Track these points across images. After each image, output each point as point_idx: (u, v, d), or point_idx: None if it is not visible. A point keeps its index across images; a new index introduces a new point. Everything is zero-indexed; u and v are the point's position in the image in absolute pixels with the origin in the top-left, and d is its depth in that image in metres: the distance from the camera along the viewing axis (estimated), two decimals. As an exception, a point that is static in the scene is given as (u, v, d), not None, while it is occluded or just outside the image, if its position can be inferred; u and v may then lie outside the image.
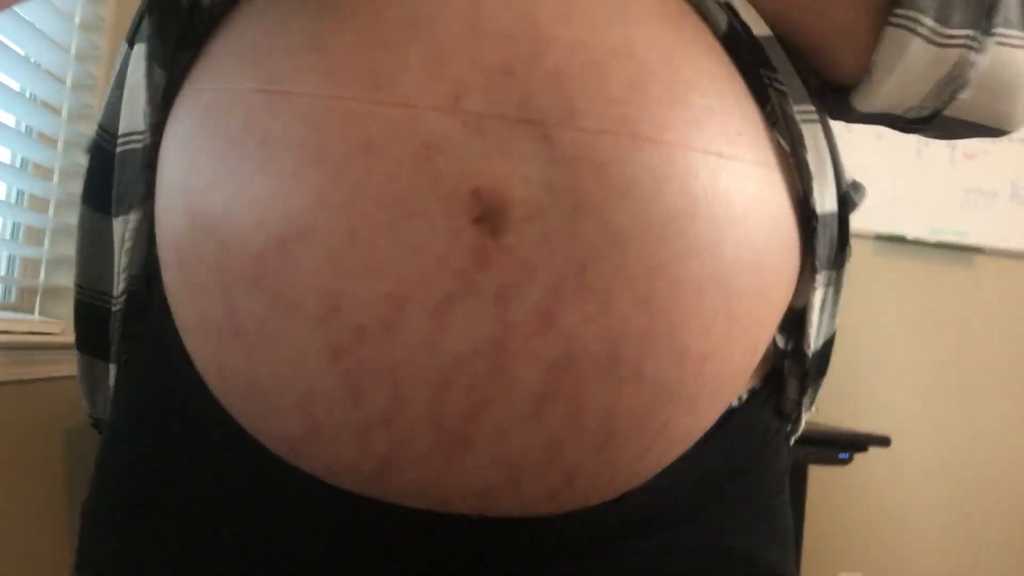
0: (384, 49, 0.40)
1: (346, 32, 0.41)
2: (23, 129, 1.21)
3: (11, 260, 1.24)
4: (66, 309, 1.31)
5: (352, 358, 0.39)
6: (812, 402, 0.57)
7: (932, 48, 0.47)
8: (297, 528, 0.46)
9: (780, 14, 0.48)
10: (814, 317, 0.51)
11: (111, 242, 0.51)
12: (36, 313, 1.27)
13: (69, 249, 1.30)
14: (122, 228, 0.49)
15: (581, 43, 0.40)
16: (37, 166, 1.24)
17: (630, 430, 0.41)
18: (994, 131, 0.53)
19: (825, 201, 0.49)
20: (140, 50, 0.48)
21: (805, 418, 0.58)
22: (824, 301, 0.52)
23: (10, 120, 1.18)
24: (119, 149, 0.50)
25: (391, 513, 0.44)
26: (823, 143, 0.50)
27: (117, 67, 0.53)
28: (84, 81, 1.29)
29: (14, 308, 1.26)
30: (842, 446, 1.83)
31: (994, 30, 0.47)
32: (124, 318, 0.51)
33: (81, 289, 0.54)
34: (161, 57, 0.47)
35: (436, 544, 0.46)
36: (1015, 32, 0.49)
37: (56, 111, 1.25)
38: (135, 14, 0.52)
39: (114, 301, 0.51)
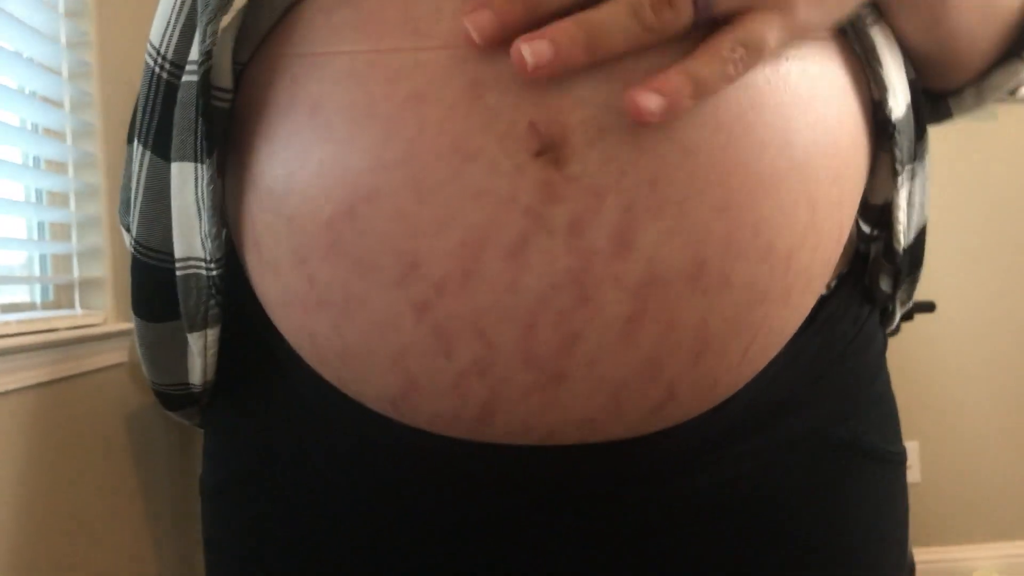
0: None
1: None
2: (29, 127, 1.20)
3: (43, 259, 1.25)
4: (104, 299, 1.32)
5: (437, 312, 0.39)
6: (909, 296, 0.57)
7: None
8: (406, 481, 0.48)
9: (919, 33, 0.49)
10: (901, 215, 0.50)
11: (178, 344, 0.51)
12: (77, 307, 1.28)
13: (96, 240, 1.30)
14: (202, 341, 0.49)
15: None
16: (49, 162, 1.24)
17: (726, 336, 0.41)
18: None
19: (900, 105, 0.48)
20: (184, 169, 0.45)
21: (899, 313, 0.58)
22: (911, 194, 0.51)
23: (14, 119, 1.17)
24: (179, 273, 0.48)
25: (498, 453, 0.45)
26: (894, 45, 0.49)
27: (140, 176, 0.48)
28: (79, 70, 1.28)
29: (54, 306, 1.27)
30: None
31: None
32: (214, 389, 0.53)
33: (157, 384, 0.55)
34: (214, 169, 0.44)
35: (544, 477, 0.46)
36: None
37: (58, 104, 1.24)
38: (141, 112, 0.48)
39: (203, 386, 0.53)
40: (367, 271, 0.39)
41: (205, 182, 0.44)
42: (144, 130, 0.48)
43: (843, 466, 0.51)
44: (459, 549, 0.48)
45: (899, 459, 0.55)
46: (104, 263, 1.31)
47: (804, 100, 0.41)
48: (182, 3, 0.45)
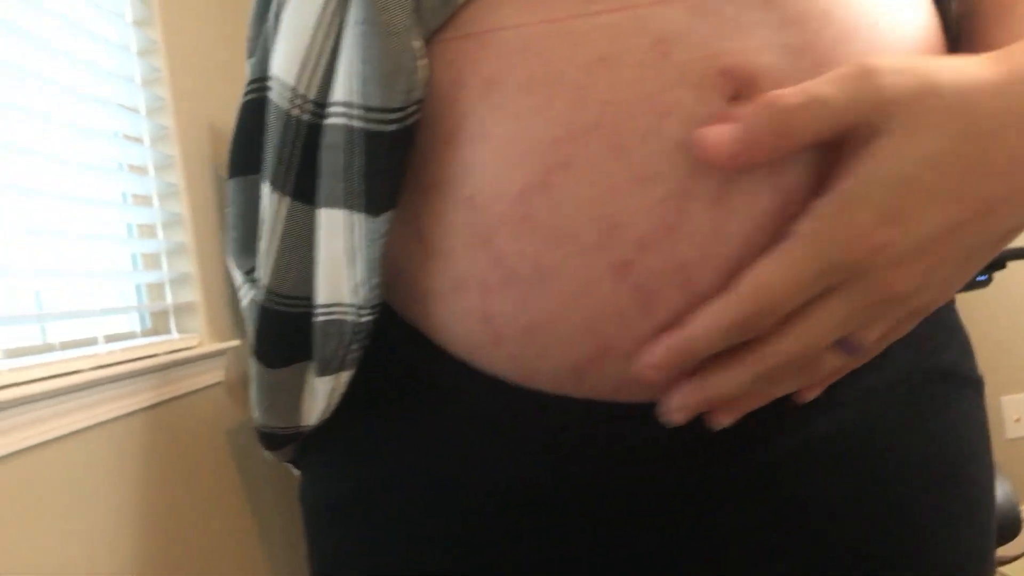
0: None
1: None
2: (115, 165, 1.26)
3: (138, 289, 1.31)
4: (197, 322, 1.38)
5: (639, 270, 0.39)
6: None
7: None
8: (550, 485, 0.48)
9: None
10: None
11: (296, 388, 0.51)
12: (173, 332, 1.34)
13: (185, 266, 1.36)
14: (330, 384, 0.49)
15: None
16: (136, 196, 1.30)
17: None
18: None
19: None
20: (333, 216, 0.44)
21: None
22: None
23: (98, 158, 1.23)
24: (321, 319, 0.47)
25: (642, 423, 0.45)
26: None
27: (276, 224, 0.46)
28: (155, 105, 1.33)
29: (152, 332, 1.33)
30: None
31: None
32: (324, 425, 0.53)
33: (266, 426, 0.54)
34: (390, 223, 0.43)
35: (674, 440, 0.46)
36: None
37: (138, 140, 1.30)
38: (275, 157, 0.45)
39: (305, 428, 0.53)
40: (562, 240, 0.39)
41: (366, 233, 0.43)
42: (281, 175, 0.46)
43: (947, 394, 0.52)
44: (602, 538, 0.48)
45: (982, 382, 0.56)
46: (194, 288, 1.37)
47: (934, 45, 0.44)
48: (324, 42, 0.43)
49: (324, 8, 0.43)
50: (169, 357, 1.23)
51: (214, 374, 1.39)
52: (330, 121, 0.43)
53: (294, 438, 0.55)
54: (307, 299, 0.48)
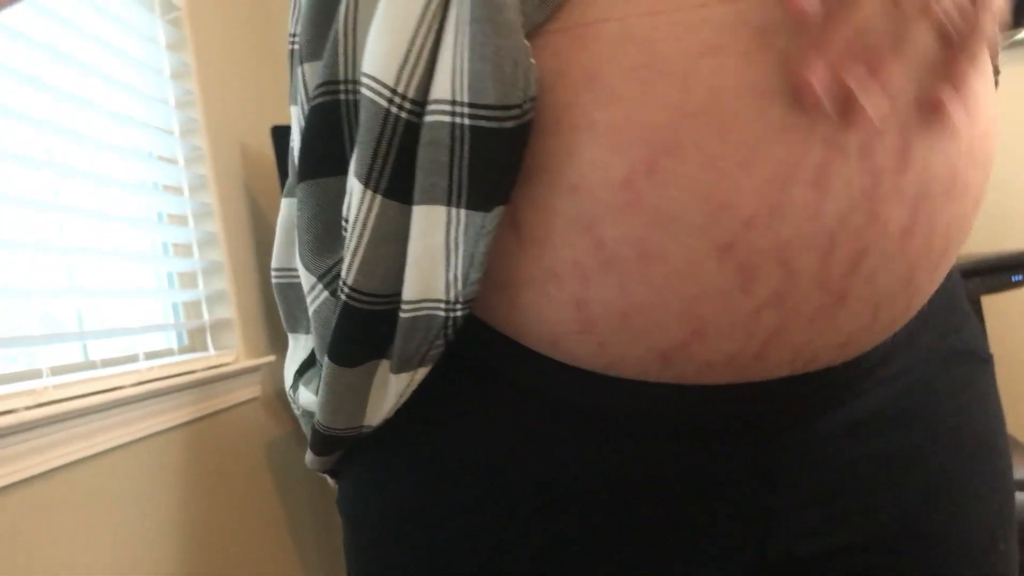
0: None
1: None
2: (151, 185, 1.29)
3: (175, 307, 1.33)
4: (233, 339, 1.40)
5: (743, 249, 0.41)
6: None
7: None
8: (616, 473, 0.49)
9: None
10: None
11: (364, 387, 0.51)
12: (210, 349, 1.35)
13: (220, 284, 1.38)
14: (406, 381, 0.50)
15: None
16: (171, 216, 1.32)
17: (958, 241, 0.47)
18: None
19: None
20: (432, 213, 0.44)
21: None
22: None
23: (134, 178, 1.26)
24: (407, 315, 0.48)
25: (714, 406, 0.47)
26: None
27: (365, 219, 0.47)
28: (189, 126, 1.36)
29: (189, 349, 1.35)
30: (1013, 268, 1.73)
31: None
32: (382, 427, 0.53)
33: (329, 428, 0.53)
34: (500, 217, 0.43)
35: (751, 419, 0.48)
36: None
37: (172, 161, 1.32)
38: (370, 155, 0.46)
39: (367, 428, 0.53)
40: (668, 223, 0.41)
41: (468, 227, 0.44)
42: (375, 173, 0.46)
43: (969, 369, 0.55)
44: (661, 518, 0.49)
45: (993, 361, 0.60)
46: (230, 305, 1.39)
47: None
48: (424, 40, 0.44)
49: (427, 6, 0.44)
50: (207, 373, 1.25)
51: (250, 389, 1.41)
52: (430, 119, 0.44)
53: (351, 441, 0.55)
54: (392, 297, 0.48)
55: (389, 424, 0.53)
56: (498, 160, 0.42)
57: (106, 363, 1.12)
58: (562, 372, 0.47)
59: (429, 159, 0.44)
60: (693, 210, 0.40)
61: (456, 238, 0.44)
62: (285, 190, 0.56)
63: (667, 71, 0.40)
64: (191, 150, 1.35)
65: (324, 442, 0.55)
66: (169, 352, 1.29)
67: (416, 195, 0.45)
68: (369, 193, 0.46)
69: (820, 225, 0.40)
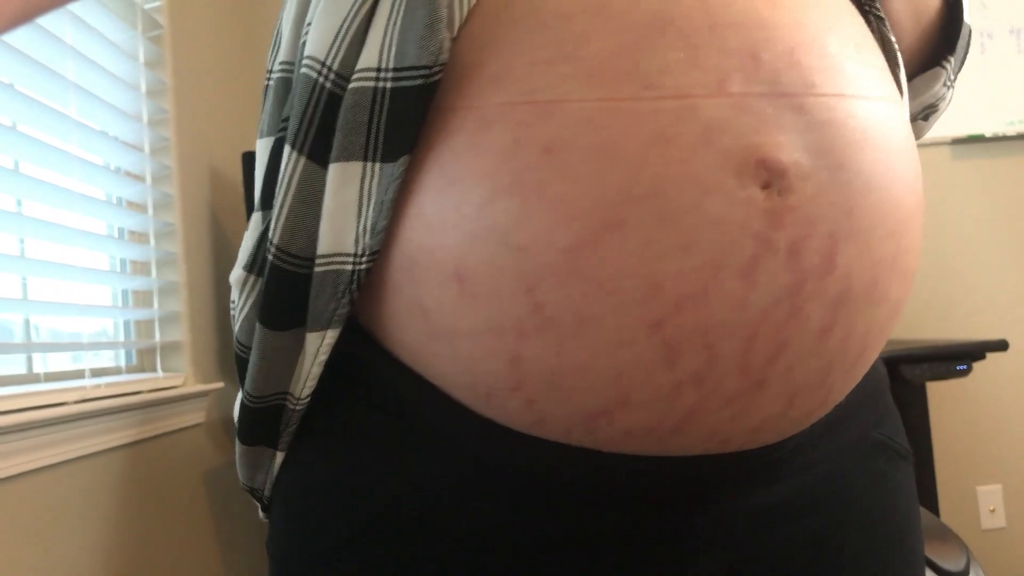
0: (641, 52, 0.45)
1: (591, 43, 0.45)
2: (114, 200, 1.27)
3: (127, 325, 1.31)
4: (183, 362, 1.38)
5: (670, 328, 0.43)
6: None
7: (942, 87, 0.64)
8: (532, 512, 0.50)
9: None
10: None
11: (294, 353, 0.53)
12: (159, 370, 1.33)
13: (176, 305, 1.36)
14: (318, 342, 0.51)
15: (797, 24, 0.47)
16: (132, 232, 1.31)
17: (874, 346, 0.49)
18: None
19: (912, 113, 0.58)
20: (348, 169, 0.48)
21: None
22: None
23: (99, 193, 1.24)
24: (319, 270, 0.50)
25: (633, 472, 0.49)
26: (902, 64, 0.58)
27: (291, 182, 0.51)
28: (159, 145, 1.35)
29: (137, 369, 1.33)
30: (958, 358, 1.78)
31: (954, 76, 0.66)
32: (308, 409, 0.54)
33: (255, 399, 0.55)
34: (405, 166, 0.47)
35: (673, 491, 0.50)
36: (955, 76, 0.67)
37: (140, 178, 1.31)
38: (298, 121, 0.50)
39: (296, 402, 0.54)
40: (605, 294, 0.43)
41: (380, 180, 0.48)
42: (302, 138, 0.51)
43: (888, 463, 0.59)
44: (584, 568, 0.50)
45: (911, 459, 0.63)
46: (183, 327, 1.37)
47: (912, 150, 0.51)
48: (350, 22, 0.50)
49: None
50: (153, 395, 1.23)
51: (196, 415, 1.39)
52: (354, 86, 0.48)
53: (274, 422, 0.55)
54: (310, 259, 0.51)
55: (315, 468, 0.54)
56: (409, 113, 0.47)
57: (50, 377, 1.10)
58: (488, 428, 0.49)
59: (350, 120, 0.48)
60: (629, 285, 0.43)
61: (370, 190, 0.48)
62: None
63: (618, 155, 0.43)
64: (159, 168, 1.34)
65: (249, 420, 0.56)
66: (116, 370, 1.27)
67: (334, 154, 0.49)
68: (295, 154, 0.51)
69: (745, 315, 0.43)
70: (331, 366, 0.52)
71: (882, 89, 0.50)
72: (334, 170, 0.49)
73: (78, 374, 1.14)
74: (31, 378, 1.06)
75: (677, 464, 0.48)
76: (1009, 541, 2.31)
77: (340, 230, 0.50)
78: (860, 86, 0.48)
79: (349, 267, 0.50)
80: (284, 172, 0.51)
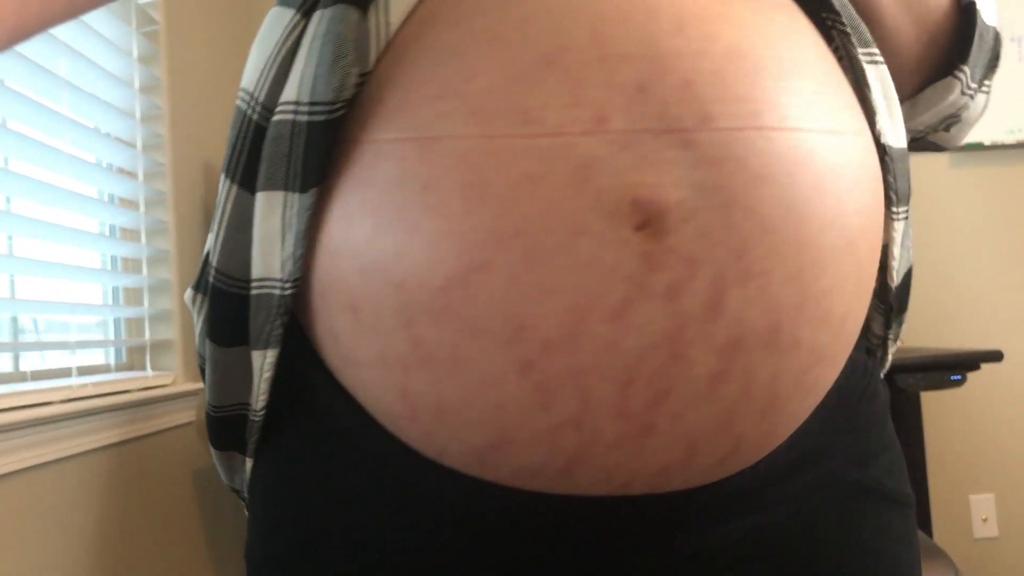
0: (524, 87, 0.43)
1: (481, 77, 0.44)
2: (105, 198, 1.26)
3: (116, 323, 1.30)
4: (174, 360, 1.37)
5: (541, 370, 0.42)
6: (897, 337, 0.60)
7: (959, 95, 0.60)
8: (456, 539, 0.50)
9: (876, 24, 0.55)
10: (896, 251, 0.54)
11: (247, 367, 0.54)
12: (148, 369, 1.32)
13: (167, 304, 1.35)
14: (260, 360, 0.53)
15: (700, 52, 0.44)
16: (124, 230, 1.30)
17: (790, 394, 0.45)
18: (942, 149, 0.68)
19: (898, 137, 0.53)
20: (271, 197, 0.50)
21: (891, 352, 0.61)
22: (904, 234, 0.56)
23: (91, 190, 1.23)
24: (256, 292, 0.52)
25: (556, 506, 0.47)
26: (889, 83, 0.53)
27: (226, 209, 0.53)
28: (152, 141, 1.34)
29: (127, 367, 1.32)
30: (953, 367, 1.78)
31: (985, 82, 0.62)
32: (265, 421, 0.55)
33: (216, 408, 0.57)
34: (315, 197, 0.48)
35: (594, 528, 0.48)
36: (987, 82, 0.63)
37: (132, 175, 1.30)
38: (231, 149, 0.53)
39: (254, 414, 0.55)
40: (476, 333, 0.43)
41: (298, 209, 0.49)
42: (233, 167, 0.53)
43: (862, 508, 0.54)
44: None
45: (909, 501, 0.57)
46: (174, 326, 1.36)
47: (851, 186, 0.46)
48: (276, 56, 0.51)
49: (287, 27, 0.51)
50: (142, 394, 1.22)
51: (185, 414, 1.38)
52: (276, 119, 0.50)
53: (238, 429, 0.57)
54: (247, 281, 0.52)
55: (272, 478, 0.56)
56: (318, 146, 0.47)
57: (36, 376, 1.09)
58: (406, 452, 0.49)
59: (272, 152, 0.49)
60: (497, 326, 0.42)
61: (290, 219, 0.49)
62: None
63: (489, 193, 0.42)
64: (152, 165, 1.33)
65: (215, 427, 0.58)
66: (105, 368, 1.26)
67: (260, 182, 0.50)
68: (228, 181, 0.53)
69: (618, 359, 0.41)
70: (282, 383, 0.54)
71: (817, 117, 0.46)
72: (260, 199, 0.50)
73: (65, 372, 1.13)
74: (17, 376, 1.05)
75: (585, 503, 0.47)
76: (1001, 550, 2.31)
77: (268, 256, 0.51)
78: (780, 116, 0.44)
79: (278, 291, 0.51)
80: (219, 198, 0.54)
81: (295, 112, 0.49)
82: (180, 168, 1.41)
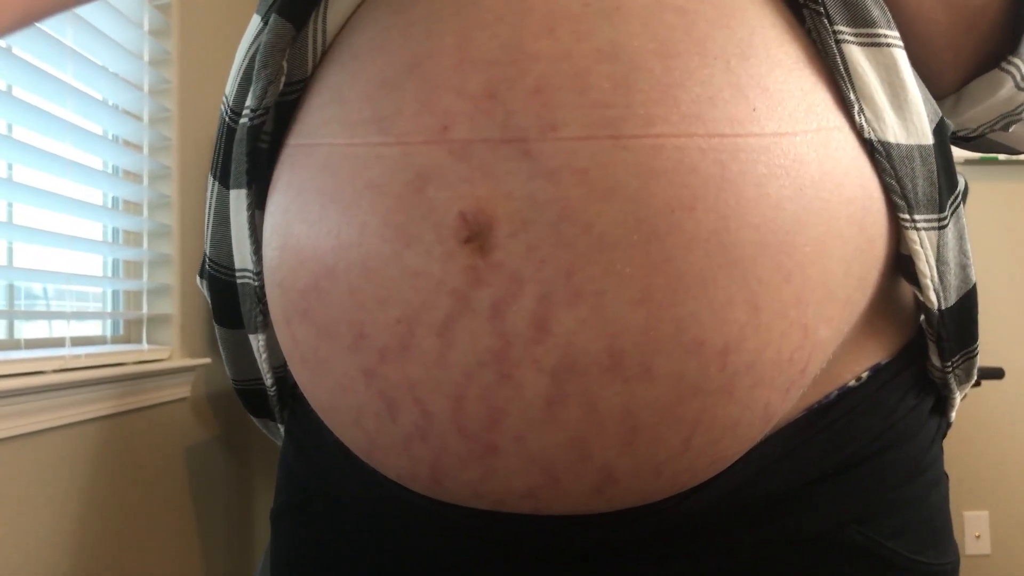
0: (385, 94, 0.43)
1: (359, 83, 0.44)
2: (110, 169, 1.26)
3: (115, 295, 1.30)
4: (171, 335, 1.36)
5: (380, 378, 0.42)
6: (968, 375, 0.52)
7: (1014, 91, 0.54)
8: (411, 530, 0.53)
9: (914, 23, 0.51)
10: (923, 266, 0.47)
11: (250, 349, 0.59)
12: (144, 342, 1.32)
13: (166, 278, 1.35)
14: (256, 343, 0.57)
15: (564, 55, 0.40)
16: (127, 202, 1.29)
17: (657, 425, 0.41)
18: (1015, 151, 0.64)
19: (908, 133, 0.46)
20: (239, 196, 0.53)
21: (961, 392, 0.53)
22: (940, 247, 0.47)
23: (96, 162, 1.23)
24: (239, 280, 0.56)
25: (495, 515, 0.47)
26: (902, 70, 0.46)
27: (212, 203, 0.57)
28: (159, 115, 1.34)
29: (123, 340, 1.32)
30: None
31: None
32: (280, 396, 0.60)
33: (237, 382, 0.63)
34: (252, 199, 0.52)
35: (539, 543, 0.48)
36: None
37: (137, 147, 1.30)
38: (214, 148, 0.56)
39: (269, 388, 0.60)
40: (329, 337, 0.44)
41: (246, 207, 0.52)
42: (214, 164, 0.57)
43: (851, 568, 0.47)
44: None
45: (929, 569, 0.49)
46: (173, 300, 1.36)
47: (751, 200, 0.40)
48: (242, 63, 0.53)
49: (253, 38, 0.53)
50: (137, 367, 1.21)
51: (180, 389, 1.38)
52: (241, 121, 0.52)
53: (264, 400, 0.63)
54: (234, 269, 0.57)
55: (286, 446, 0.62)
56: (250, 150, 0.50)
57: (30, 344, 1.08)
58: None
59: (238, 152, 0.52)
60: (343, 331, 0.43)
61: (253, 215, 0.52)
62: None
63: (338, 201, 0.43)
64: (158, 138, 1.32)
65: (243, 398, 0.65)
66: (101, 340, 1.26)
67: (231, 181, 0.53)
68: (211, 179, 0.57)
69: (446, 374, 0.40)
70: (283, 363, 0.59)
71: (711, 120, 0.40)
72: (232, 196, 0.54)
73: (59, 342, 1.13)
74: (11, 344, 1.05)
75: (501, 518, 0.46)
76: (994, 568, 2.30)
77: (242, 249, 0.54)
78: (644, 122, 0.39)
79: (252, 281, 0.54)
80: (207, 194, 0.58)
81: (251, 117, 0.51)
82: (186, 143, 1.40)
